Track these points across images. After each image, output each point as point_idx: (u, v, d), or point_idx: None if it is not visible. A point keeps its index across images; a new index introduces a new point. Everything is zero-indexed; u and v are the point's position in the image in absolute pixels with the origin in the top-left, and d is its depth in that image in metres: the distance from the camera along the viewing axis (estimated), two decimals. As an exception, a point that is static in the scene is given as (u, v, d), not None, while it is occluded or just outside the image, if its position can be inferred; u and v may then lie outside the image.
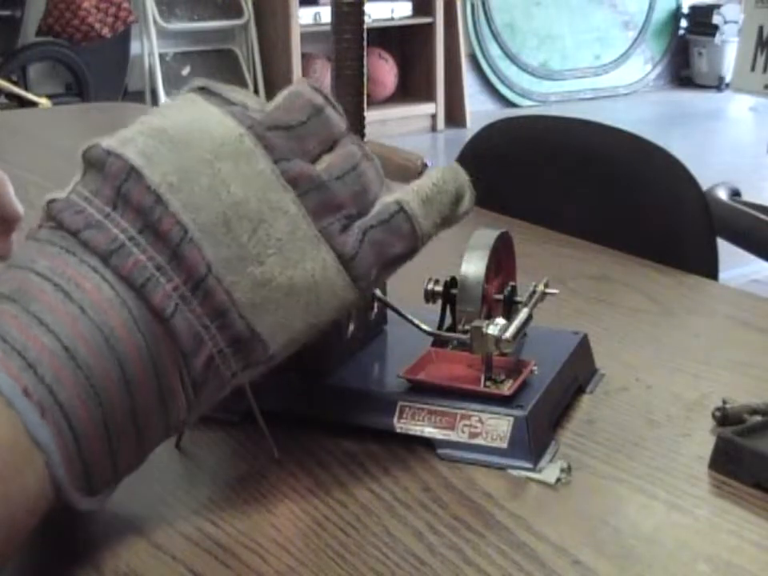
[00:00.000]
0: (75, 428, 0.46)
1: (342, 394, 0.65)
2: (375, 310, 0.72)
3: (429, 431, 0.62)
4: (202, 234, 0.50)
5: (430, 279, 0.70)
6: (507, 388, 0.63)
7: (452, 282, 0.69)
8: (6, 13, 4.67)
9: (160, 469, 0.61)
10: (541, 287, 0.70)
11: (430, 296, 0.70)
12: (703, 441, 0.63)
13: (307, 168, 0.53)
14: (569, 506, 0.57)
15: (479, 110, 5.89)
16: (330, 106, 0.57)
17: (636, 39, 6.81)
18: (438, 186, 0.58)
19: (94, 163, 0.52)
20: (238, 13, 5.28)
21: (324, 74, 5.25)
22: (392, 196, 0.57)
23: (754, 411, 0.64)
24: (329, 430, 0.64)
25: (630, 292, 0.91)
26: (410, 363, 0.66)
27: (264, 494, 0.58)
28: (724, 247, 1.26)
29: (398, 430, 0.63)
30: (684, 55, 7.00)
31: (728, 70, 6.25)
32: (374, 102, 5.32)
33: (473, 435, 0.61)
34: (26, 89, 4.68)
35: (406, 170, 1.42)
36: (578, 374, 0.71)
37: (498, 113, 5.82)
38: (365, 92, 0.74)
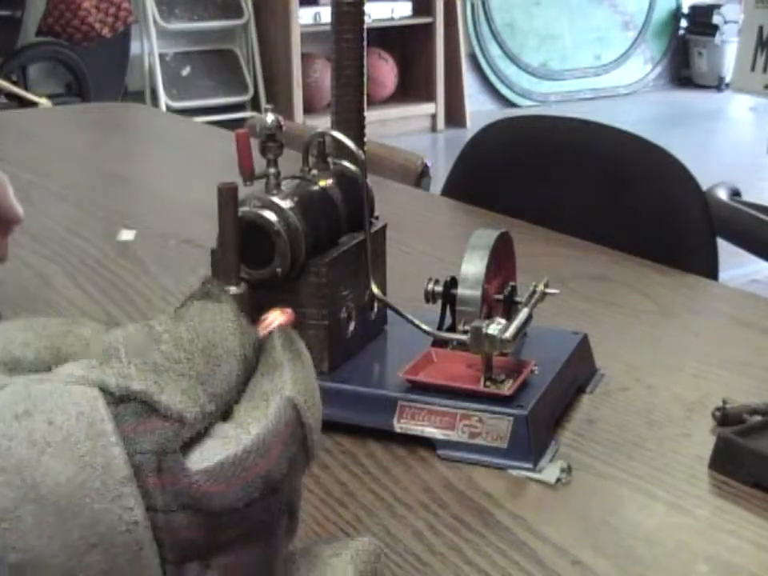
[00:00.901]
0: None
1: (341, 393, 0.65)
2: (375, 309, 0.72)
3: (429, 431, 0.62)
4: None
5: (430, 279, 0.70)
6: (507, 388, 0.63)
7: (452, 282, 0.69)
8: (6, 13, 4.67)
9: (160, 469, 0.61)
10: (541, 287, 0.70)
11: (430, 296, 0.70)
12: (703, 441, 0.63)
13: None
14: (569, 506, 0.57)
15: (479, 109, 5.89)
16: (304, 450, 0.40)
17: (636, 39, 6.80)
18: None
19: None
20: (237, 13, 5.28)
21: (324, 74, 5.25)
22: None
23: (754, 411, 0.64)
24: (329, 430, 0.64)
25: (630, 292, 0.91)
26: (409, 363, 0.66)
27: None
28: (724, 247, 1.26)
29: (398, 430, 0.63)
30: (684, 55, 6.99)
31: (728, 70, 6.24)
32: (374, 102, 5.31)
33: (473, 435, 0.61)
34: (26, 89, 4.67)
35: (406, 170, 1.43)
36: (578, 374, 0.71)
37: (498, 113, 5.82)
38: (365, 92, 0.74)
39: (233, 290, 0.62)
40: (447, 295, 0.69)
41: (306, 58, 5.30)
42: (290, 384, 0.40)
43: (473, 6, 6.10)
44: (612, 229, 1.16)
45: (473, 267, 0.68)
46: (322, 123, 0.84)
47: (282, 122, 0.68)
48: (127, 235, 1.08)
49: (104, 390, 0.36)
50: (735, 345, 0.80)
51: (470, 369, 0.66)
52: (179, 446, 0.36)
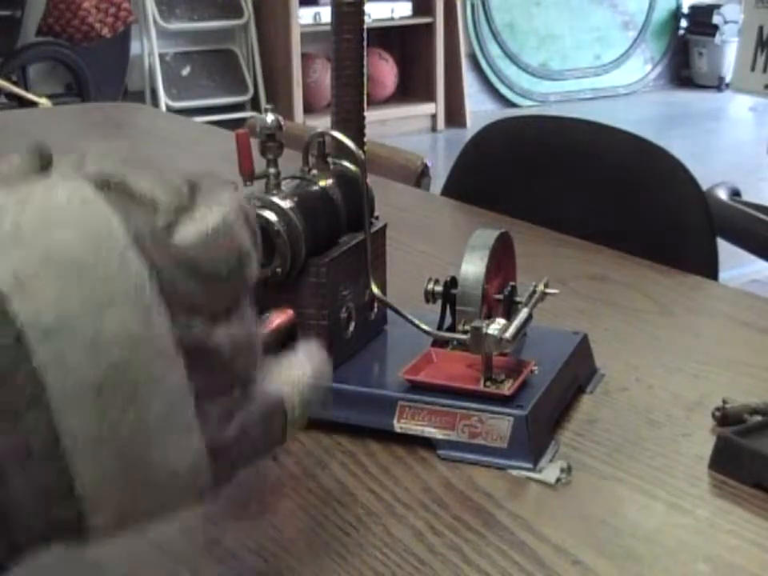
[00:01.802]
0: None
1: (342, 393, 0.65)
2: (375, 309, 0.72)
3: (429, 431, 0.62)
4: (64, 400, 0.39)
5: (430, 279, 0.70)
6: (507, 388, 0.63)
7: (452, 282, 0.69)
8: (6, 13, 4.67)
9: (160, 469, 0.61)
10: (541, 287, 0.70)
11: (430, 296, 0.70)
12: (703, 441, 0.63)
13: (207, 339, 0.42)
14: (569, 506, 0.57)
15: (479, 109, 5.89)
16: (252, 259, 0.45)
17: (636, 39, 6.81)
18: (317, 378, 0.50)
19: None
20: (237, 13, 5.28)
21: (324, 74, 5.25)
22: (276, 386, 0.48)
23: (754, 411, 0.64)
24: (329, 429, 0.64)
25: (630, 292, 0.91)
26: (410, 363, 0.66)
27: (264, 494, 0.58)
28: (724, 247, 1.26)
29: (398, 430, 0.63)
30: (684, 55, 7.00)
31: (728, 70, 6.24)
32: (374, 102, 5.31)
33: (473, 435, 0.61)
34: (26, 89, 4.68)
35: (406, 170, 1.43)
36: (578, 373, 0.71)
37: (498, 113, 5.82)
38: (365, 92, 0.74)
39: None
40: (447, 295, 0.69)
41: (305, 57, 5.30)
42: (227, 198, 0.45)
43: (473, 5, 6.10)
44: (612, 229, 1.16)
45: (473, 267, 0.68)
46: (322, 123, 0.84)
47: (282, 122, 0.68)
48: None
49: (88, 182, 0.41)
50: (735, 345, 0.80)
51: (470, 369, 0.66)
52: (164, 226, 0.41)
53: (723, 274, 1.14)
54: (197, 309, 0.42)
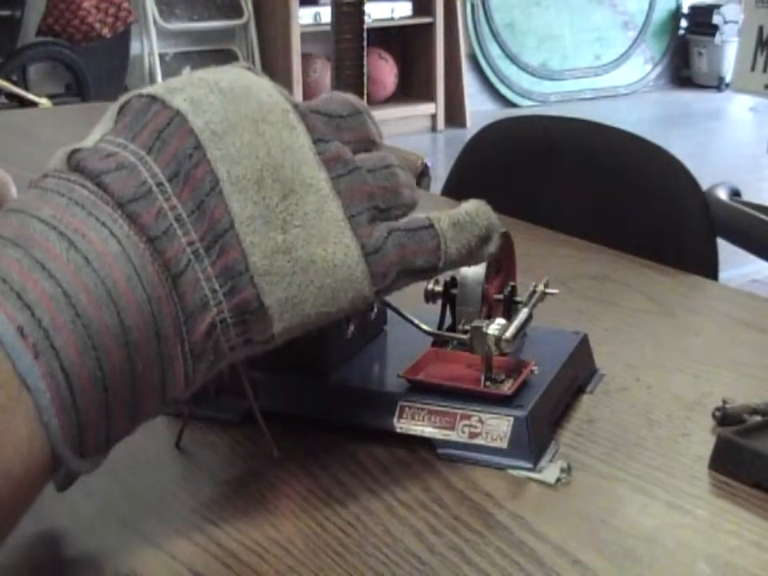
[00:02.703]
0: (69, 377, 0.44)
1: (342, 393, 0.65)
2: (375, 309, 0.72)
3: (429, 431, 0.62)
4: (233, 188, 0.49)
5: (430, 279, 0.70)
6: (507, 388, 0.63)
7: (452, 282, 0.69)
8: (6, 13, 4.67)
9: (160, 469, 0.61)
10: (541, 287, 0.70)
11: (430, 296, 0.70)
12: (703, 441, 0.63)
13: (344, 152, 0.53)
14: (569, 506, 0.57)
15: (479, 109, 5.89)
16: (369, 115, 0.57)
17: (636, 39, 6.81)
18: (471, 217, 0.57)
19: (135, 112, 0.51)
20: (238, 13, 5.28)
21: (324, 74, 5.25)
22: (423, 214, 0.57)
23: (754, 411, 0.64)
24: (329, 430, 0.64)
25: (630, 292, 0.91)
26: (410, 363, 0.66)
27: (264, 493, 0.58)
28: (724, 247, 1.26)
29: (398, 430, 0.63)
30: (684, 55, 7.00)
31: (728, 70, 6.25)
32: (374, 102, 5.32)
33: (473, 435, 0.61)
34: (26, 89, 4.68)
35: (406, 170, 1.42)
36: (578, 374, 0.71)
37: (498, 113, 5.82)
38: (365, 92, 0.74)
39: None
40: (447, 295, 0.69)
41: (305, 57, 5.31)
42: None
43: (473, 5, 6.10)
44: (612, 229, 1.16)
45: (473, 267, 0.68)
46: (322, 123, 0.83)
47: (282, 122, 0.68)
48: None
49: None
50: (735, 345, 0.80)
51: (470, 369, 0.66)
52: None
53: (723, 274, 1.14)
54: (331, 135, 0.53)
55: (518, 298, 0.70)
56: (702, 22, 6.79)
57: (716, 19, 6.71)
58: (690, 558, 0.52)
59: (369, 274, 0.52)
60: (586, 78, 6.63)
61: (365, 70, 0.70)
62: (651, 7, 6.83)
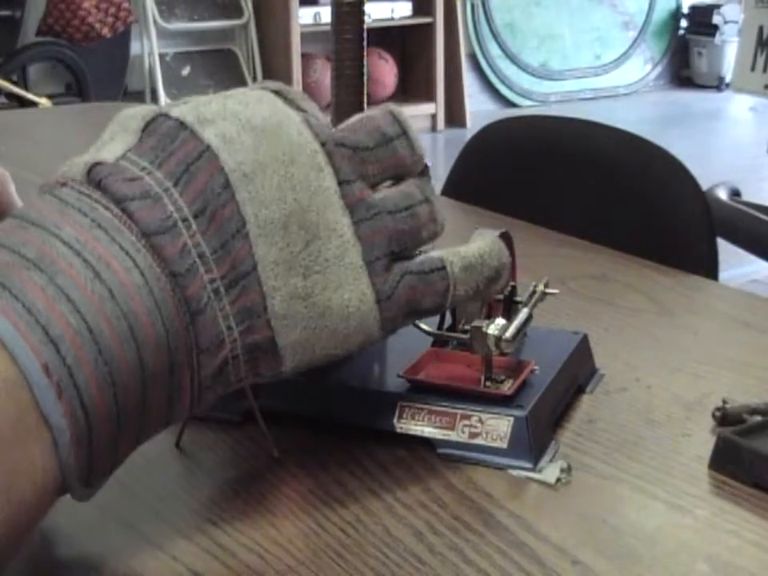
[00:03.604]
0: (89, 414, 0.44)
1: (342, 393, 0.65)
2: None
3: (429, 431, 0.62)
4: (259, 231, 0.49)
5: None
6: (507, 388, 0.63)
7: (452, 282, 0.69)
8: (6, 13, 4.67)
9: (160, 469, 0.61)
10: (541, 287, 0.70)
11: (430, 296, 0.70)
12: (703, 441, 0.63)
13: (367, 194, 0.53)
14: (569, 506, 0.57)
15: (479, 109, 5.89)
16: (405, 138, 0.57)
17: (636, 39, 6.81)
18: (483, 259, 0.58)
19: (162, 135, 0.50)
20: (238, 13, 5.28)
21: (324, 73, 5.25)
22: (437, 252, 0.57)
23: (754, 411, 0.64)
24: (329, 429, 0.64)
25: (630, 292, 0.91)
26: (410, 363, 0.66)
27: (264, 494, 0.58)
28: (724, 247, 1.26)
29: (398, 430, 0.63)
30: (684, 55, 7.00)
31: (728, 70, 6.25)
32: (374, 102, 5.27)
33: (473, 435, 0.61)
34: (26, 89, 4.68)
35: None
36: (578, 374, 0.71)
37: (498, 113, 5.82)
38: (365, 92, 0.74)
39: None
40: (447, 295, 0.69)
41: (306, 57, 5.31)
42: None
43: (473, 5, 6.10)
44: (612, 229, 1.16)
45: (473, 267, 0.68)
46: (322, 123, 0.83)
47: (282, 122, 0.67)
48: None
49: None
50: (735, 345, 0.80)
51: (469, 369, 0.66)
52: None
53: (723, 274, 1.14)
54: (355, 173, 0.53)
55: (518, 298, 0.69)
56: (702, 22, 6.79)
57: (716, 19, 6.71)
58: (689, 558, 0.52)
59: (380, 320, 0.53)
60: (585, 78, 6.63)
61: (365, 70, 0.70)
62: (651, 7, 6.82)
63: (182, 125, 0.50)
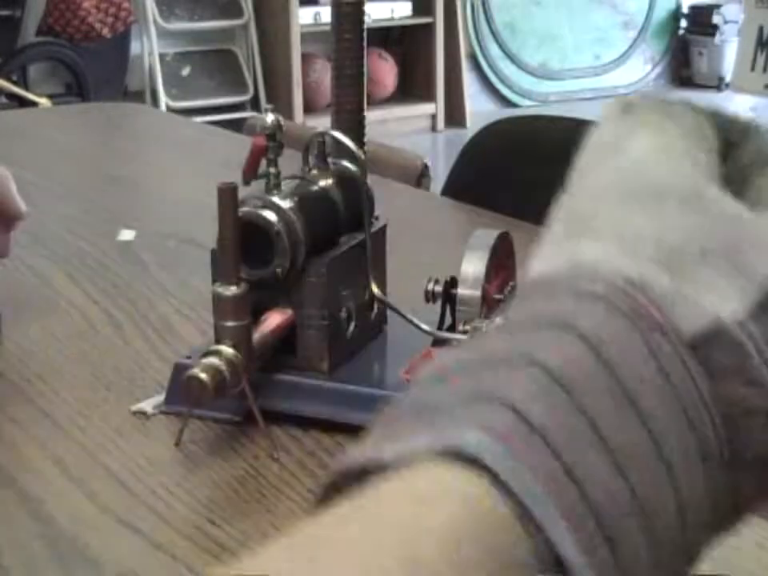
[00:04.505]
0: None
1: (342, 393, 0.65)
2: (375, 309, 0.72)
3: (429, 431, 0.62)
4: None
5: (430, 279, 0.70)
6: (507, 388, 0.63)
7: (452, 282, 0.69)
8: (6, 13, 4.67)
9: (160, 469, 0.61)
10: (541, 287, 0.70)
11: (430, 296, 0.70)
12: (703, 441, 0.63)
13: None
14: (569, 506, 0.57)
15: (479, 109, 5.89)
16: None
17: (636, 39, 6.81)
18: None
19: None
20: (238, 13, 5.28)
21: (324, 74, 5.25)
22: None
23: (754, 411, 0.64)
24: (329, 429, 0.64)
25: (630, 292, 0.91)
26: (409, 363, 0.66)
27: (264, 493, 0.58)
28: (724, 247, 1.25)
29: (398, 430, 0.63)
30: (684, 55, 6.99)
31: (728, 70, 6.24)
32: (374, 102, 5.31)
33: (473, 435, 0.61)
34: (26, 89, 4.67)
35: (406, 170, 1.43)
36: (578, 374, 0.71)
37: (498, 113, 5.82)
38: (365, 92, 0.74)
39: (233, 289, 0.62)
40: (447, 295, 0.69)
41: (306, 57, 5.31)
42: None
43: (473, 5, 6.10)
44: (612, 229, 1.16)
45: (473, 267, 0.68)
46: (322, 123, 0.84)
47: (282, 122, 0.68)
48: (127, 235, 1.08)
49: None
50: (735, 345, 0.79)
51: (469, 369, 0.66)
52: None
53: (723, 274, 1.13)
54: None
55: (518, 298, 0.69)
56: (702, 22, 6.79)
57: (716, 19, 6.71)
58: (689, 557, 0.52)
59: None
60: (585, 78, 6.63)
61: (365, 70, 0.70)
62: (651, 7, 6.82)
63: None
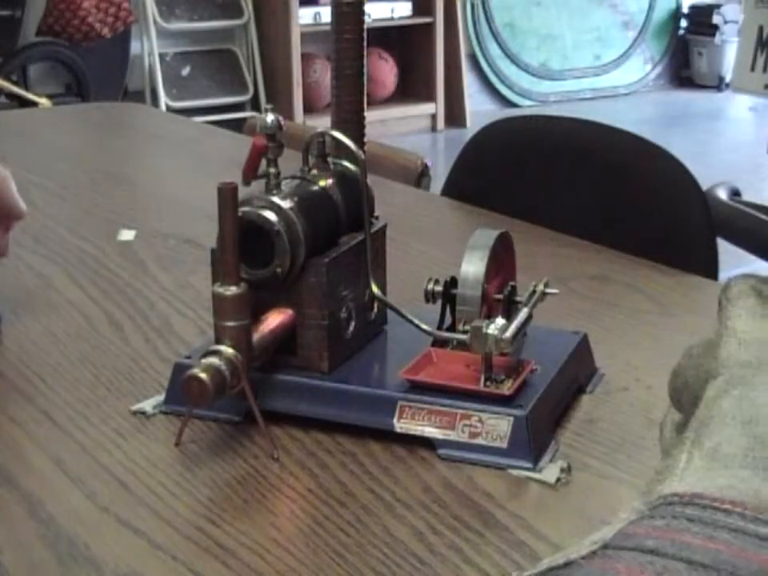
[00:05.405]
0: None
1: (342, 393, 0.65)
2: (375, 309, 0.72)
3: (429, 431, 0.62)
4: None
5: (430, 279, 0.70)
6: (507, 388, 0.63)
7: (452, 282, 0.69)
8: (6, 13, 4.67)
9: (160, 469, 0.61)
10: (541, 287, 0.70)
11: (430, 296, 0.70)
12: (703, 441, 0.63)
13: None
14: (569, 506, 0.57)
15: (479, 110, 5.89)
16: None
17: (636, 39, 6.80)
18: None
19: None
20: (238, 13, 5.28)
21: (324, 74, 5.25)
22: None
23: (754, 411, 0.64)
24: (329, 429, 0.64)
25: (630, 292, 0.91)
26: (409, 363, 0.66)
27: (264, 494, 0.58)
28: (724, 247, 1.26)
29: (398, 430, 0.63)
30: (684, 55, 6.99)
31: (728, 70, 6.24)
32: (374, 102, 5.31)
33: (473, 435, 0.61)
34: (26, 89, 4.67)
35: (406, 170, 1.43)
36: (578, 374, 0.71)
37: (498, 113, 5.82)
38: (365, 92, 0.74)
39: (233, 289, 0.62)
40: (447, 295, 0.69)
41: (306, 57, 5.31)
42: None
43: (473, 5, 6.10)
44: (612, 229, 1.16)
45: (473, 267, 0.68)
46: (322, 123, 0.84)
47: (282, 122, 0.68)
48: (127, 235, 1.08)
49: None
50: (735, 345, 0.79)
51: (469, 369, 0.66)
52: None
53: (723, 274, 1.13)
54: None
55: (518, 298, 0.69)
56: (702, 22, 6.79)
57: (716, 19, 6.71)
58: (689, 557, 0.52)
59: None
60: (585, 78, 6.63)
61: (365, 70, 0.70)
62: (651, 7, 6.82)
63: None
